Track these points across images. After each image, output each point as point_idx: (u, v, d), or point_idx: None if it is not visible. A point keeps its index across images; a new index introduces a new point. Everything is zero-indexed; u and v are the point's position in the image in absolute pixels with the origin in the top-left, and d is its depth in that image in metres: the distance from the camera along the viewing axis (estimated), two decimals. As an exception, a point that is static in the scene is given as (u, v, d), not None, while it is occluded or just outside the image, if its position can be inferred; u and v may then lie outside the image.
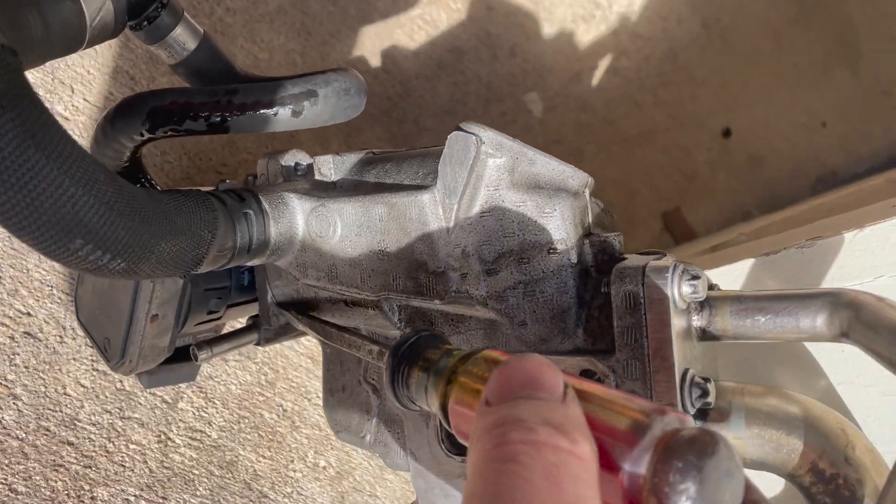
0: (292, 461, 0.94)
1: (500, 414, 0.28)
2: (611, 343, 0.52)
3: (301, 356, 0.97)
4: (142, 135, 0.63)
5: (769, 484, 0.61)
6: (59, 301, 0.82)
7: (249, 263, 0.60)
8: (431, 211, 0.56)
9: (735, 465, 0.29)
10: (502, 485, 0.25)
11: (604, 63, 1.59)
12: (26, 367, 0.78)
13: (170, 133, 0.63)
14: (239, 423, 0.90)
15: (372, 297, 0.62)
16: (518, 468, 0.25)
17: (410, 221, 0.56)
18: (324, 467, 0.96)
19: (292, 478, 0.93)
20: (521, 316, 0.57)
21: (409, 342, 0.44)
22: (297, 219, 0.62)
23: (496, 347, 0.56)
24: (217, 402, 0.89)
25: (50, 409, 0.79)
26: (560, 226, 0.54)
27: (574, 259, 0.54)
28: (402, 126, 1.18)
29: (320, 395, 0.98)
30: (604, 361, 0.52)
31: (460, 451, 0.65)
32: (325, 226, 0.61)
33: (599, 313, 0.54)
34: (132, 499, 0.82)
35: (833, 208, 1.21)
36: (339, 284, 0.61)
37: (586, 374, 0.55)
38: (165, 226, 0.50)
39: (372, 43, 1.16)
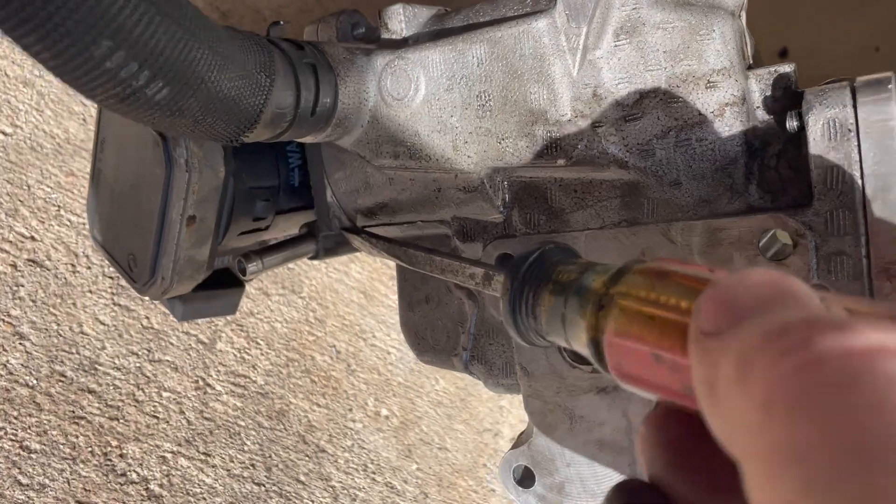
0: (350, 410, 0.87)
1: (762, 330, 0.19)
2: (799, 195, 0.45)
3: (352, 290, 0.89)
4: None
5: None
6: (68, 223, 0.70)
7: (308, 139, 0.53)
8: (551, 41, 0.48)
9: None
10: (855, 422, 0.16)
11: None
12: (33, 301, 0.66)
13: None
14: (287, 366, 0.83)
15: (469, 172, 0.53)
16: (863, 389, 0.16)
17: (522, 59, 0.49)
18: (386, 416, 0.89)
19: (352, 429, 0.87)
20: (672, 173, 0.49)
21: (532, 259, 0.36)
22: (366, 79, 0.54)
23: (638, 219, 0.49)
24: (261, 342, 0.81)
25: (65, 351, 0.69)
26: (721, 51, 0.46)
27: (739, 94, 0.46)
28: None
29: (375, 334, 0.87)
30: (796, 217, 0.44)
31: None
32: (403, 85, 0.53)
33: (778, 161, 0.47)
34: (168, 455, 0.70)
35: None
36: (424, 160, 0.53)
37: (769, 238, 0.46)
38: (219, 49, 0.40)
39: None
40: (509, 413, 0.99)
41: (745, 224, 0.46)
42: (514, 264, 0.36)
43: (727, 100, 0.46)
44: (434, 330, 0.63)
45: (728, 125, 0.46)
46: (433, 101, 0.52)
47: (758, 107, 0.47)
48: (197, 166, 0.58)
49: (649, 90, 0.47)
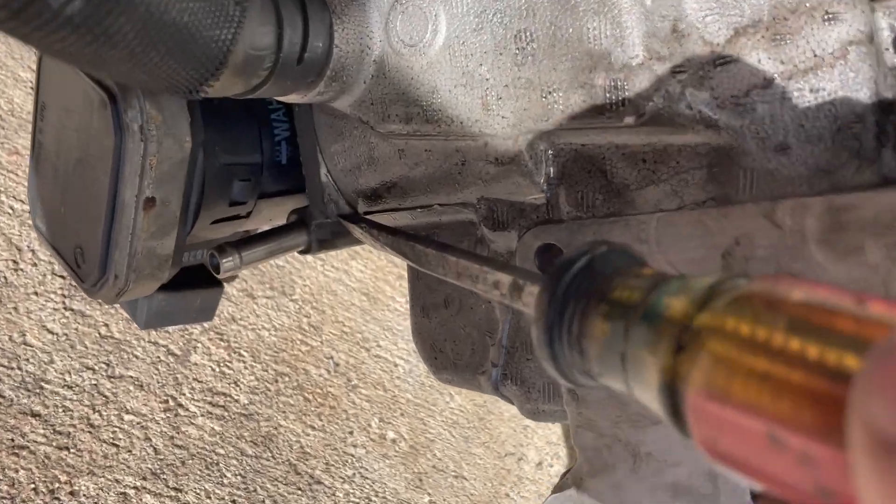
0: (351, 433, 0.79)
1: None
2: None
3: (353, 291, 0.84)
4: None
5: None
6: (9, 212, 0.61)
7: (294, 97, 0.46)
8: (615, -44, 0.40)
9: None
10: None
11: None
12: (-37, 305, 0.56)
13: None
14: (276, 382, 0.75)
15: (503, 138, 0.45)
16: None
17: (575, -14, 0.41)
18: (393, 440, 0.81)
19: (352, 455, 0.78)
20: (778, 135, 0.39)
21: (579, 266, 0.27)
22: (370, 19, 0.46)
23: (730, 196, 0.41)
24: (244, 353, 0.73)
25: (3, 367, 0.64)
26: (841, -25, 0.38)
27: (866, 30, 0.38)
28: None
29: (380, 342, 0.78)
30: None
31: None
32: (417, 26, 0.45)
33: (920, 118, 0.38)
34: (131, 492, 0.60)
35: None
36: (444, 124, 0.46)
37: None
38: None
39: None
40: (535, 433, 0.89)
41: (881, 201, 0.37)
42: (554, 273, 0.27)
43: (851, 37, 0.38)
44: (455, 341, 0.52)
45: (853, 71, 0.38)
46: (456, 45, 0.45)
47: (887, 48, 0.39)
48: (155, 134, 0.48)
49: (747, 24, 0.39)
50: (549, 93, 0.42)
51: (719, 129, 0.40)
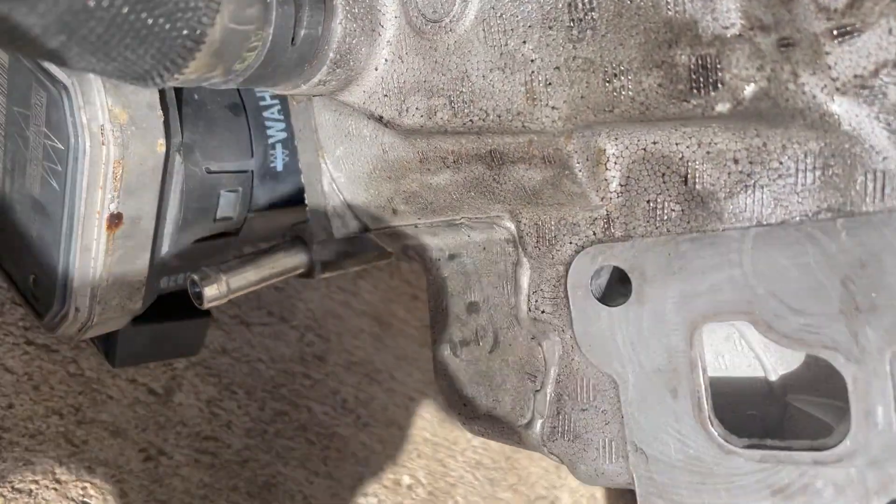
0: (361, 479, 0.71)
1: None
2: None
3: (362, 316, 0.75)
4: None
5: None
6: None
7: (287, 88, 0.40)
8: None
9: None
10: None
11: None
12: None
13: None
14: (274, 422, 0.67)
15: (552, 134, 0.38)
16: None
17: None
18: (409, 486, 0.73)
19: None
20: None
21: None
22: None
23: (855, 205, 0.34)
24: (237, 390, 0.65)
25: None
26: None
27: None
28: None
29: (393, 374, 0.73)
30: None
31: (756, 433, 0.38)
32: None
33: None
34: None
35: None
36: (476, 117, 0.40)
37: None
38: None
39: None
40: (568, 474, 0.81)
41: None
42: None
43: None
44: (490, 385, 0.45)
45: None
46: (492, 19, 0.38)
47: None
48: (120, 136, 0.39)
49: (876, -26, 0.32)
50: (615, 76, 0.35)
51: (838, 120, 0.33)
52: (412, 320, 0.84)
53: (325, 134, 0.48)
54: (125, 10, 0.27)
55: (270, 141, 0.50)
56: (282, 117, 0.51)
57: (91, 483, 0.59)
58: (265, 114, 0.50)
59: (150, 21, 0.28)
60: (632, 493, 0.43)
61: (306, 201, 0.50)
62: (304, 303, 0.72)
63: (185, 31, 0.29)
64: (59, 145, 0.40)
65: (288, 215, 0.53)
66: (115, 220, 0.42)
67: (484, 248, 0.45)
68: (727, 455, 0.37)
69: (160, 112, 0.41)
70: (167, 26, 0.29)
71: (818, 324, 0.34)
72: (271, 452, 0.68)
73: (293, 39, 0.35)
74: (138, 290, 0.45)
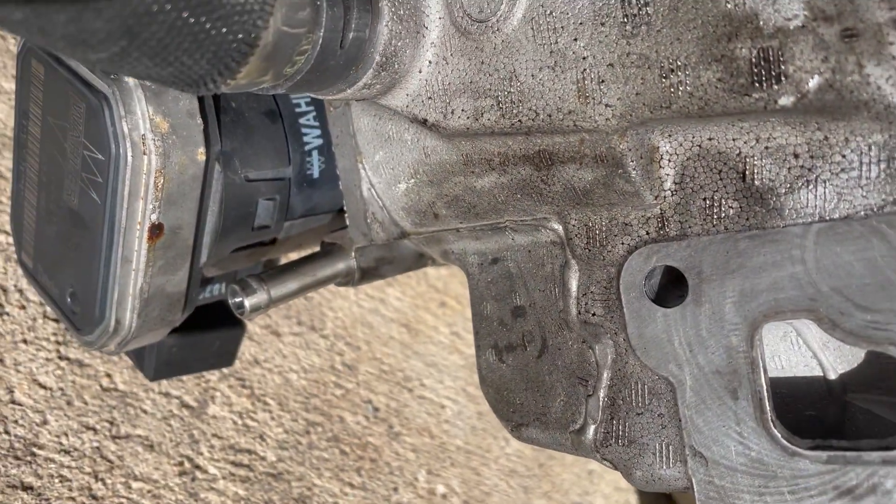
0: (395, 489, 0.70)
1: None
2: None
3: (391, 323, 0.74)
4: None
5: None
6: None
7: (331, 93, 0.39)
8: None
9: None
10: None
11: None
12: (-62, 358, 0.49)
13: None
14: (308, 434, 0.66)
15: (604, 132, 0.37)
16: None
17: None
18: (443, 495, 0.72)
19: None
20: None
21: None
22: None
23: None
24: (270, 401, 0.64)
25: None
26: None
27: None
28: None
29: (423, 381, 0.71)
30: None
31: (815, 433, 0.37)
32: None
33: None
34: None
35: None
36: (525, 118, 0.39)
37: None
38: None
39: None
40: (602, 479, 0.80)
41: None
42: None
43: None
44: (539, 391, 0.43)
45: None
46: (541, 17, 0.37)
47: None
48: (161, 146, 0.38)
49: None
50: (672, 71, 0.34)
51: (907, 112, 0.32)
52: (441, 326, 0.82)
53: (363, 139, 0.47)
54: (185, 13, 0.26)
55: (307, 148, 0.49)
56: (317, 124, 0.50)
57: (127, 498, 0.58)
58: (301, 120, 0.49)
59: (207, 25, 0.27)
60: (667, 497, 0.42)
61: (345, 207, 0.49)
62: (333, 311, 0.70)
63: (240, 35, 0.29)
64: (100, 156, 0.40)
65: (323, 223, 0.53)
66: (156, 230, 0.41)
67: (529, 251, 0.44)
68: (791, 457, 0.36)
69: (200, 120, 0.41)
70: (224, 30, 0.28)
71: (886, 320, 0.33)
72: (305, 464, 0.67)
73: (342, 42, 0.34)
74: (178, 301, 0.45)
